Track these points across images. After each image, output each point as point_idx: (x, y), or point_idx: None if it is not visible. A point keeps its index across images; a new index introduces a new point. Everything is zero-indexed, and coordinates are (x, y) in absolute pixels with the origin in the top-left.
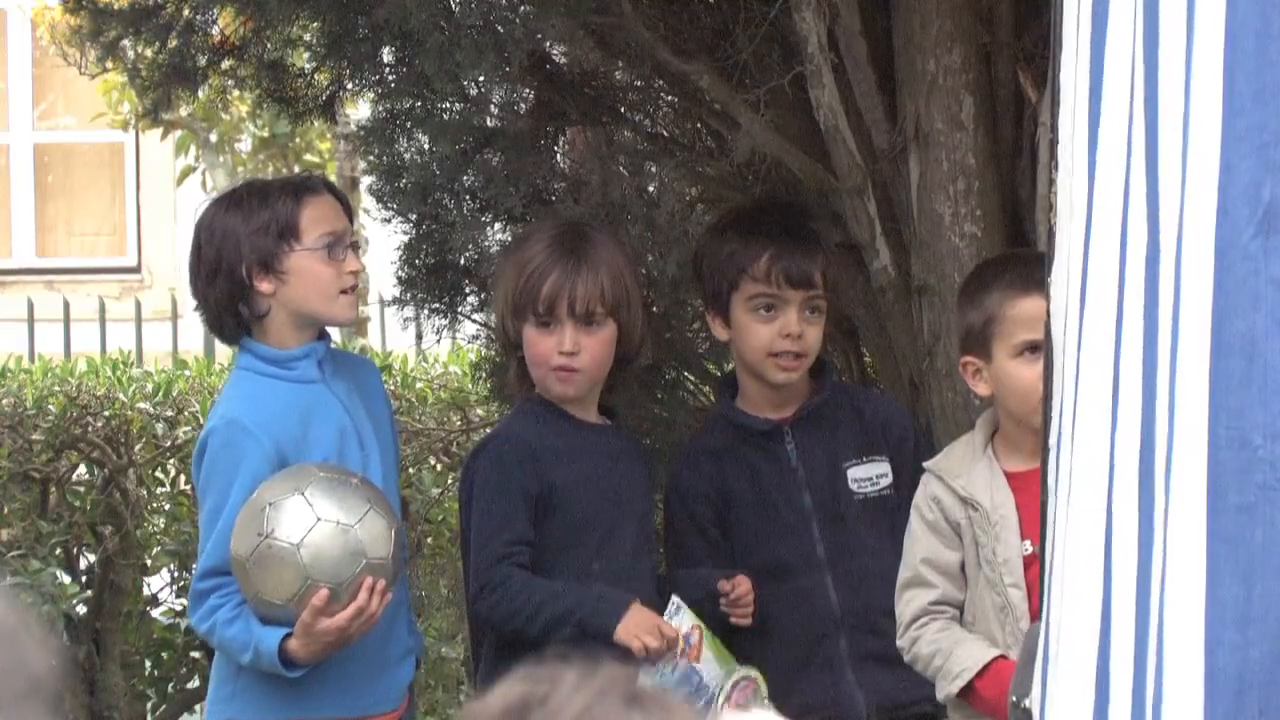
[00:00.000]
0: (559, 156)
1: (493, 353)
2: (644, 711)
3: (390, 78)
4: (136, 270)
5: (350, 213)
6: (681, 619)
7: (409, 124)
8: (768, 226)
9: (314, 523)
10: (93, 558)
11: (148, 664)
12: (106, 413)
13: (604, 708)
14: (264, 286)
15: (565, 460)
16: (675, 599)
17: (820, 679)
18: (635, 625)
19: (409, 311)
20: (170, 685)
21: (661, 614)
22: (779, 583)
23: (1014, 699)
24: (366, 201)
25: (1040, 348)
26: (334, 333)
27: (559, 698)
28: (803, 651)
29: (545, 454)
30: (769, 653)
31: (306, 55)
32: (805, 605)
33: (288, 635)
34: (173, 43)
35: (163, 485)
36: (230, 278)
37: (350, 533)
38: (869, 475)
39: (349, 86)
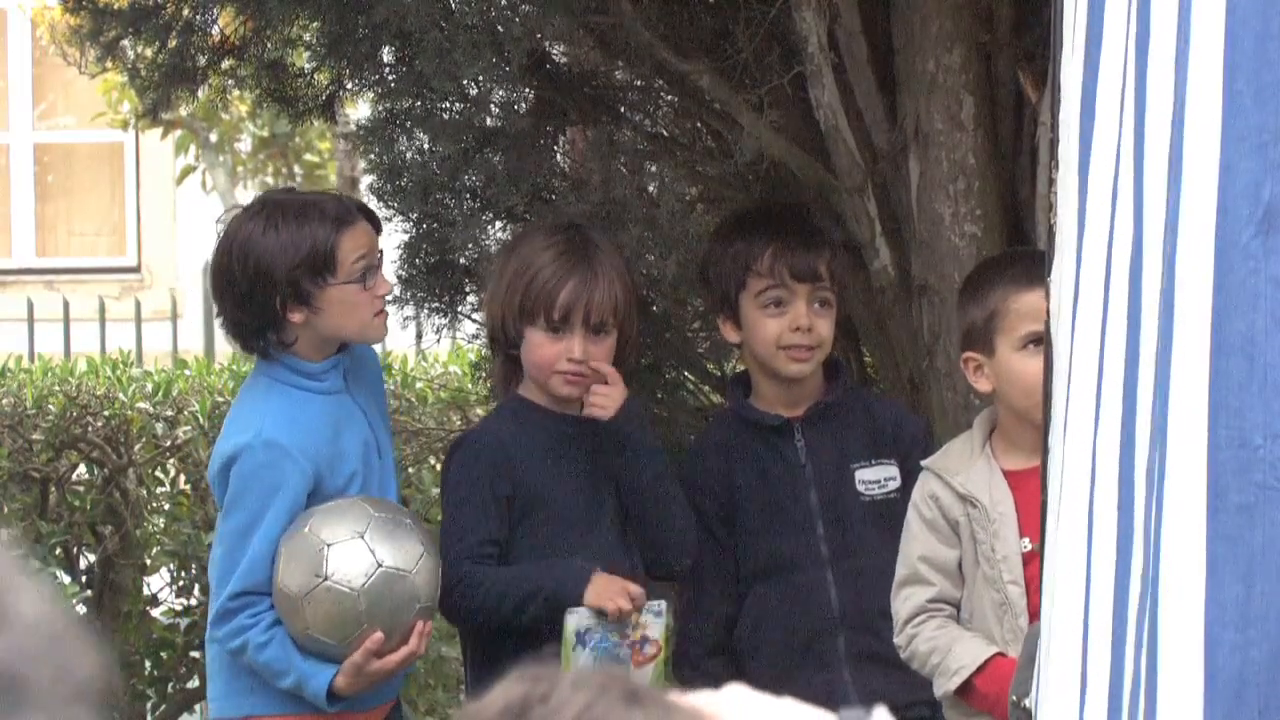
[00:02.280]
0: (559, 156)
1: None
2: (644, 710)
3: (390, 78)
4: (136, 270)
5: (379, 228)
6: (653, 627)
7: (409, 124)
8: (771, 224)
9: (375, 569)
10: (93, 558)
11: (148, 664)
12: (106, 413)
13: (605, 705)
14: (296, 318)
15: (542, 456)
16: (660, 603)
17: (816, 676)
18: (604, 589)
19: (409, 311)
20: (170, 685)
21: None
22: (780, 578)
23: (1014, 698)
24: (367, 201)
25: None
26: None
27: (559, 696)
28: (800, 648)
29: (519, 452)
30: (766, 648)
31: (306, 55)
32: (805, 602)
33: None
34: (173, 43)
35: (163, 485)
36: (263, 307)
37: (408, 580)
38: (877, 478)
39: (349, 86)
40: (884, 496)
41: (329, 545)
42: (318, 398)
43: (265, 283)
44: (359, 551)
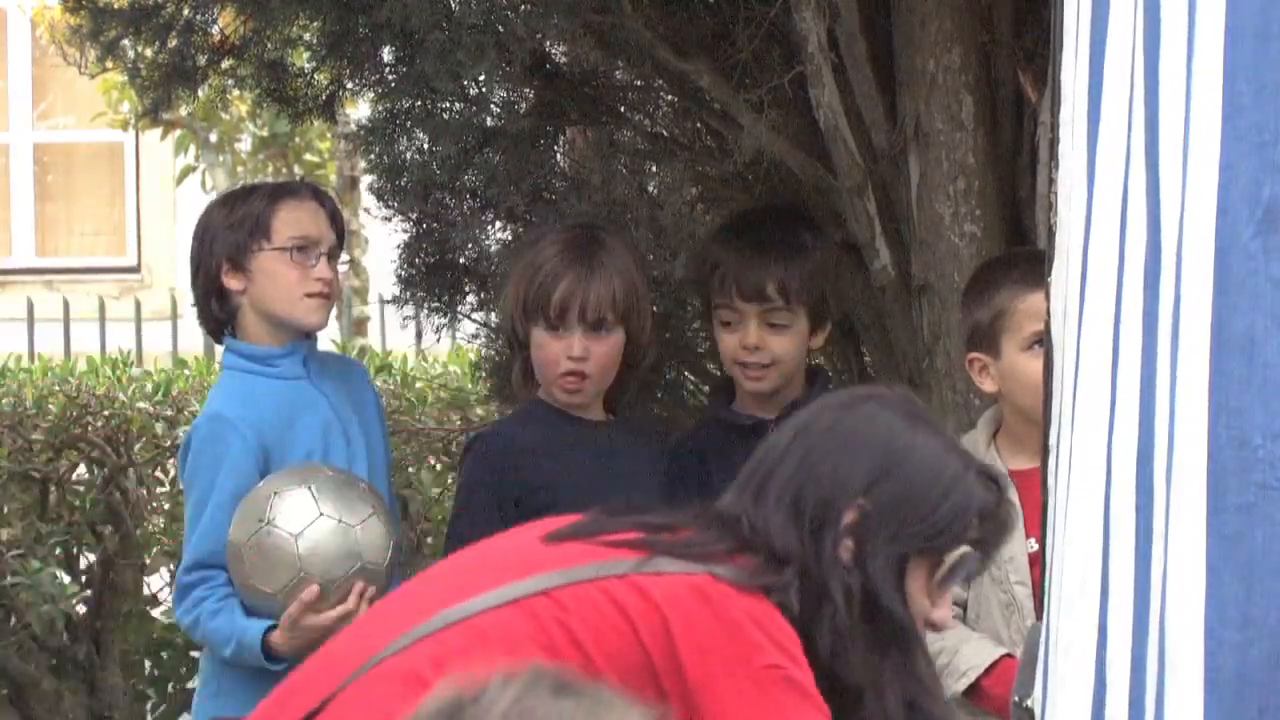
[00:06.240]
0: (559, 156)
1: (493, 352)
2: (575, 699)
3: (390, 77)
4: (136, 270)
5: (340, 224)
6: None
7: (409, 123)
8: (738, 237)
9: (316, 516)
10: (93, 558)
11: (148, 664)
12: (106, 412)
13: (534, 698)
14: (232, 284)
15: (554, 457)
16: None
17: None
18: None
19: (409, 310)
20: (170, 685)
21: None
22: None
23: (1016, 699)
24: (367, 200)
25: None
26: (333, 333)
27: (490, 694)
28: None
29: (531, 452)
30: None
31: (306, 55)
32: None
33: (272, 627)
34: (173, 42)
35: (163, 485)
36: (205, 273)
37: (350, 532)
38: None
39: (349, 86)
40: None
41: (276, 493)
42: (270, 381)
43: (207, 247)
44: (303, 500)
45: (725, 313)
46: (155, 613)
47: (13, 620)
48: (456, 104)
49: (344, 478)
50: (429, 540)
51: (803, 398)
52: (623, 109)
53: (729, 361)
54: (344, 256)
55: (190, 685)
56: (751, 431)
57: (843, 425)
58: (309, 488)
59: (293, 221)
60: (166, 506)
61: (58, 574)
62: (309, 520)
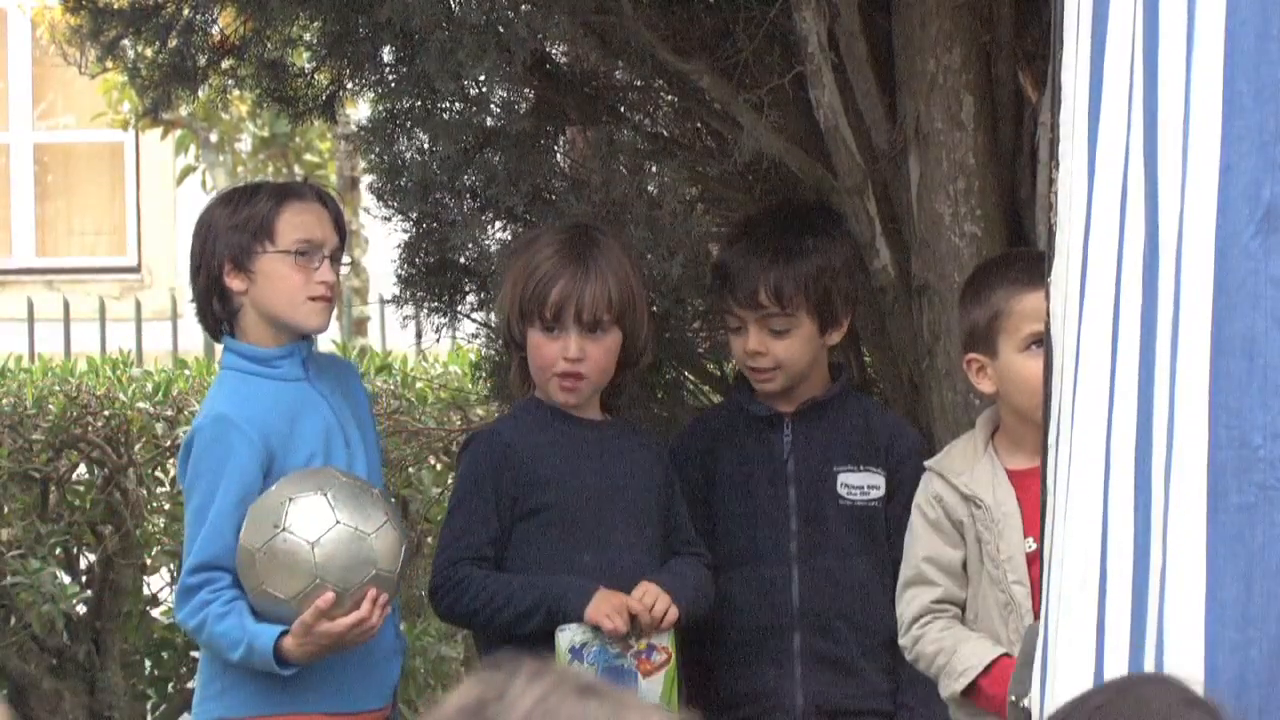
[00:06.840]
0: (559, 156)
1: (493, 352)
2: (599, 701)
3: (390, 78)
4: (136, 270)
5: (342, 227)
6: (661, 634)
7: (409, 123)
8: (736, 245)
9: (332, 524)
10: (93, 557)
11: (148, 664)
12: (106, 412)
13: (558, 698)
14: (235, 284)
15: (552, 456)
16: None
17: (766, 671)
18: (602, 605)
19: (409, 310)
20: (170, 685)
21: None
22: (746, 569)
23: (1013, 698)
24: (367, 200)
25: None
26: (333, 333)
27: (514, 692)
28: (756, 641)
29: (528, 452)
30: (724, 637)
31: (306, 55)
32: (767, 596)
33: (283, 633)
34: (173, 42)
35: (163, 485)
36: (207, 273)
37: (366, 541)
38: (860, 484)
39: (349, 86)
40: (865, 504)
41: (291, 499)
42: (271, 383)
43: (210, 246)
44: (319, 507)
45: (730, 318)
46: (155, 613)
47: (13, 620)
48: (456, 104)
49: (357, 484)
50: (429, 540)
51: (824, 395)
52: (623, 109)
53: (739, 364)
54: (345, 258)
55: (190, 685)
56: (766, 424)
57: (1114, 707)
58: (325, 495)
59: (297, 224)
60: (166, 506)
61: (58, 574)
62: (326, 528)
